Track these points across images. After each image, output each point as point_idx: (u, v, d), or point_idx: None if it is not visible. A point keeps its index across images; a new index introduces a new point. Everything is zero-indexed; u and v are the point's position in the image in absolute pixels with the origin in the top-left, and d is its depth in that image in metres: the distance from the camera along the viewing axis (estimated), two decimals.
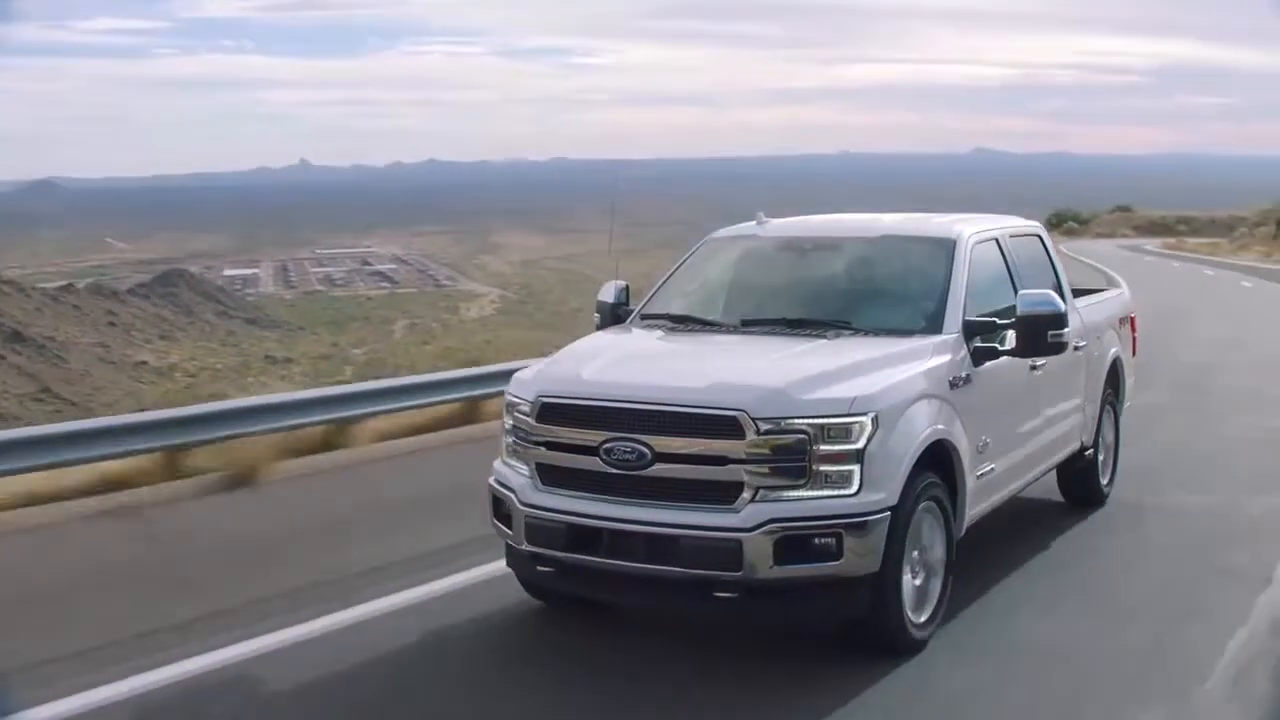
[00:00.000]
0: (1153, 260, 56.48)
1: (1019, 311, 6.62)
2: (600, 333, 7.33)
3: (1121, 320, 9.58)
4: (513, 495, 6.06)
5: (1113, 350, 9.12)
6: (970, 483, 6.43)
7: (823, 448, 5.52)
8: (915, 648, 5.92)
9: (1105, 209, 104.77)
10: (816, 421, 5.54)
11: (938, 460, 6.08)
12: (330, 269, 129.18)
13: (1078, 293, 9.01)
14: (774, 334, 6.63)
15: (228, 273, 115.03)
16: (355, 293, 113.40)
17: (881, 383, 5.83)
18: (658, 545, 5.58)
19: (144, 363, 70.48)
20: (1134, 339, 9.82)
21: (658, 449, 5.62)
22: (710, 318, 7.16)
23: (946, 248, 7.08)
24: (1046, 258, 8.40)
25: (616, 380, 5.99)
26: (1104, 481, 9.06)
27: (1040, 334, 6.58)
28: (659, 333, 7.01)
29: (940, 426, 6.06)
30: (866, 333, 6.54)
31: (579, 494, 5.86)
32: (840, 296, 7.16)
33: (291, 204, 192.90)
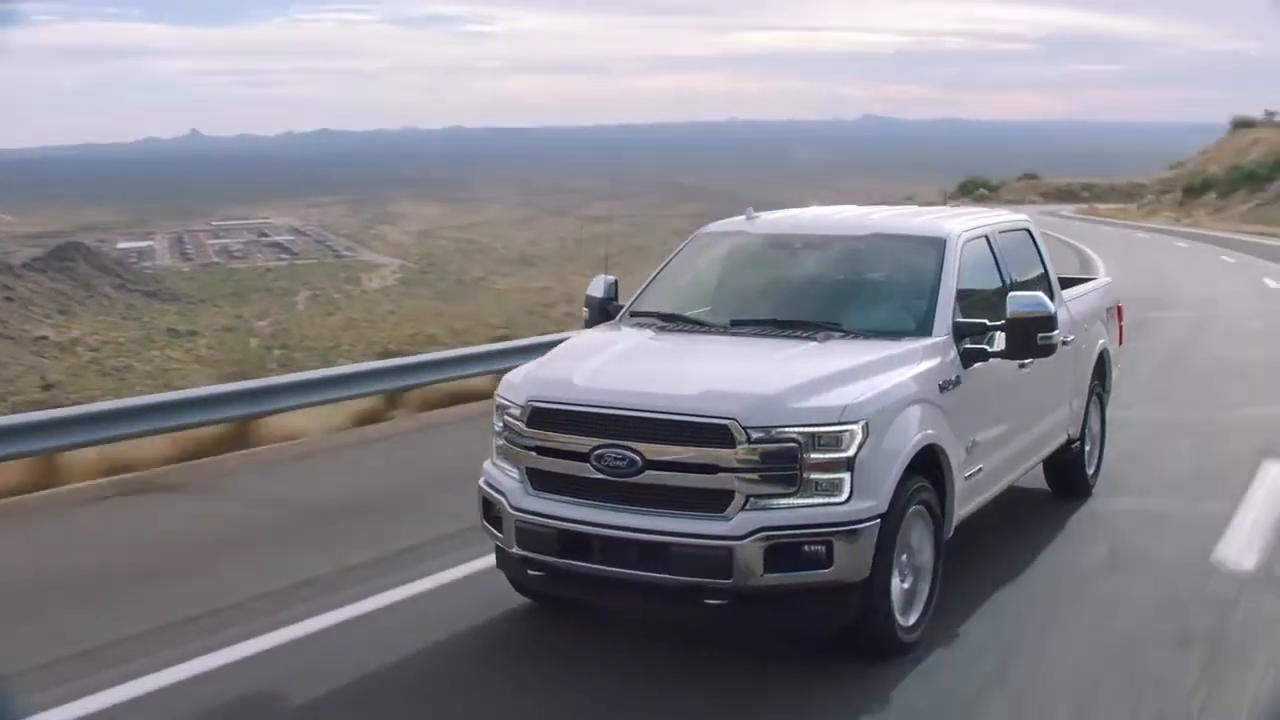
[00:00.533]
0: (1080, 225, 60.71)
1: (1008, 313, 6.56)
2: (591, 331, 7.22)
3: (1109, 311, 9.57)
4: (503, 499, 6.02)
5: (1100, 342, 9.10)
6: (959, 485, 6.42)
7: (813, 456, 5.49)
8: (903, 650, 5.91)
9: (1008, 175, 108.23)
10: (807, 430, 5.50)
11: (927, 464, 6.07)
12: (227, 241, 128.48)
13: (1065, 282, 9.01)
14: (763, 336, 6.57)
15: (122, 245, 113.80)
16: (254, 265, 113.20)
17: (872, 390, 5.79)
18: (648, 552, 5.52)
19: (44, 338, 70.30)
20: (1120, 328, 9.83)
21: (648, 456, 5.58)
22: (699, 317, 7.07)
23: (937, 247, 7.01)
24: (1035, 252, 8.36)
25: (607, 386, 5.91)
26: (1090, 471, 9.06)
27: (1030, 336, 6.53)
28: (649, 332, 6.88)
29: (930, 432, 6.04)
30: (856, 335, 6.47)
31: (570, 499, 5.79)
32: (830, 297, 7.06)
33: (183, 175, 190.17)
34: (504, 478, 6.14)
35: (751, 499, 5.50)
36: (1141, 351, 15.16)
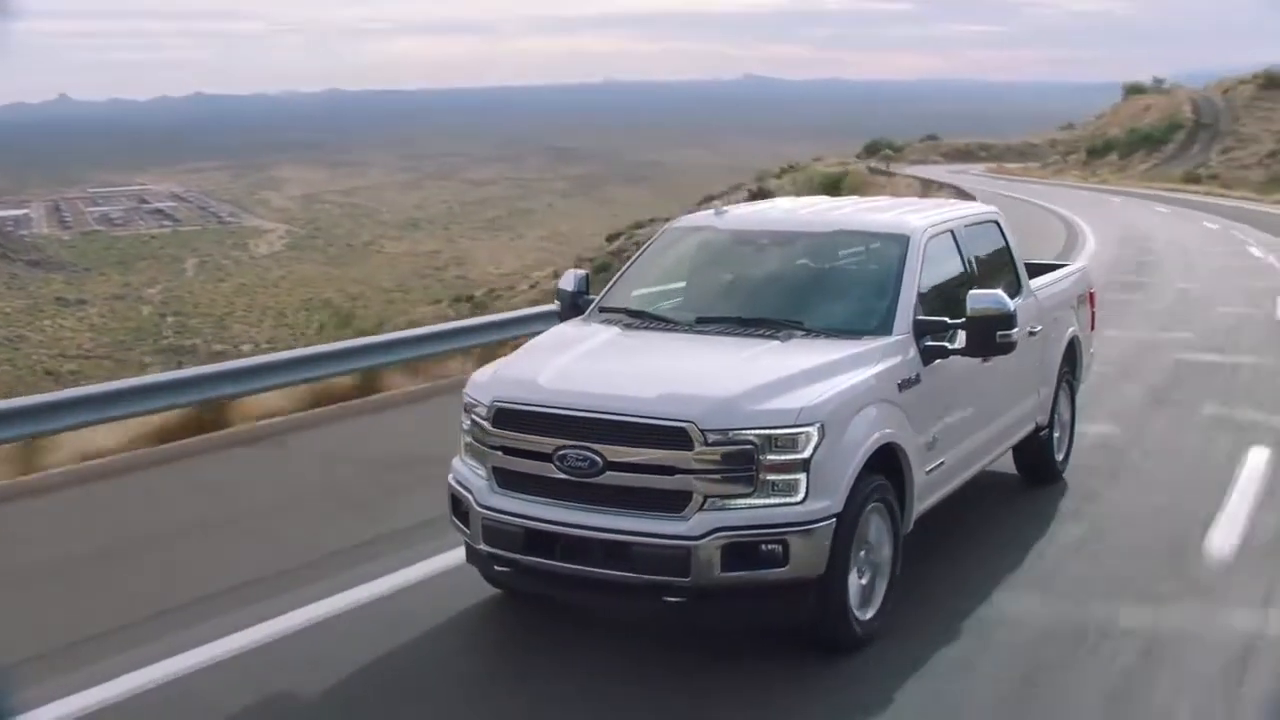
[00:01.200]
0: (1007, 184, 62.93)
1: (968, 311, 6.59)
2: (560, 328, 7.29)
3: (1080, 298, 9.57)
4: (471, 496, 6.13)
5: (1070, 330, 9.12)
6: (919, 480, 6.50)
7: (769, 457, 5.59)
8: (860, 644, 6.02)
9: (893, 134, 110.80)
10: (763, 432, 5.60)
11: (885, 462, 6.17)
12: (106, 208, 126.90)
13: (1037, 269, 9.15)
14: (727, 334, 6.64)
15: None
16: (136, 232, 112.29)
17: (828, 391, 5.87)
18: (609, 551, 5.63)
19: None
20: (1092, 314, 9.85)
21: (609, 458, 5.66)
22: (666, 314, 7.14)
23: (900, 244, 7.06)
24: (1003, 243, 8.34)
25: (570, 388, 5.99)
26: (1059, 457, 9.09)
27: (989, 334, 6.58)
28: (616, 329, 6.91)
29: (888, 430, 6.14)
30: (818, 334, 6.52)
31: (534, 498, 5.89)
32: (793, 295, 7.12)
33: (53, 140, 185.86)
34: (471, 475, 6.23)
35: (710, 499, 5.58)
36: (1156, 263, 24.87)
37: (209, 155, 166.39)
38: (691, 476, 5.59)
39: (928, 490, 6.67)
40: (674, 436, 5.58)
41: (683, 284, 7.68)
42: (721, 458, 5.58)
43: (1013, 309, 6.65)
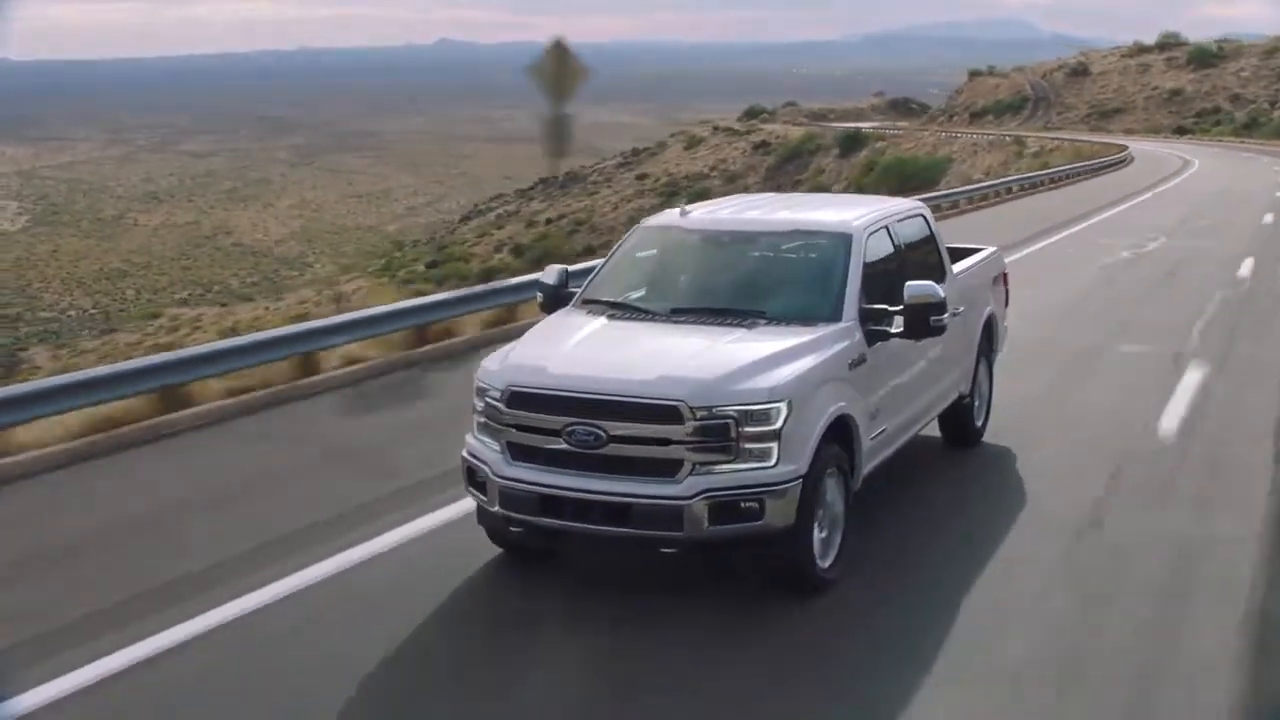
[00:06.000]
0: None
1: (905, 299, 7.36)
2: (552, 319, 7.95)
3: (995, 279, 10.46)
4: (486, 468, 6.78)
5: (987, 309, 9.96)
6: (866, 445, 7.27)
7: (747, 429, 6.34)
8: (825, 586, 6.79)
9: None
10: (742, 408, 6.35)
11: (839, 431, 6.91)
12: None
13: (953, 253, 9.82)
14: (701, 323, 7.33)
15: None
16: None
17: (794, 372, 6.60)
18: (613, 511, 6.38)
19: None
20: (1006, 292, 10.72)
21: (611, 432, 6.39)
22: (644, 305, 7.80)
23: (844, 242, 7.79)
24: (930, 234, 9.09)
25: (576, 373, 6.72)
26: (978, 424, 9.95)
27: (924, 319, 7.36)
28: (603, 319, 7.59)
29: (842, 404, 6.88)
30: (779, 321, 7.25)
31: (546, 467, 6.59)
32: (755, 287, 7.84)
33: None
34: (485, 450, 6.87)
35: (697, 466, 6.33)
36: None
37: None
38: (682, 447, 6.34)
39: (872, 454, 7.47)
40: (667, 413, 6.33)
41: (654, 278, 8.33)
42: (706, 431, 6.33)
43: (943, 296, 7.44)
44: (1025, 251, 20.51)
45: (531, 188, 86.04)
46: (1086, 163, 49.41)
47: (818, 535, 6.81)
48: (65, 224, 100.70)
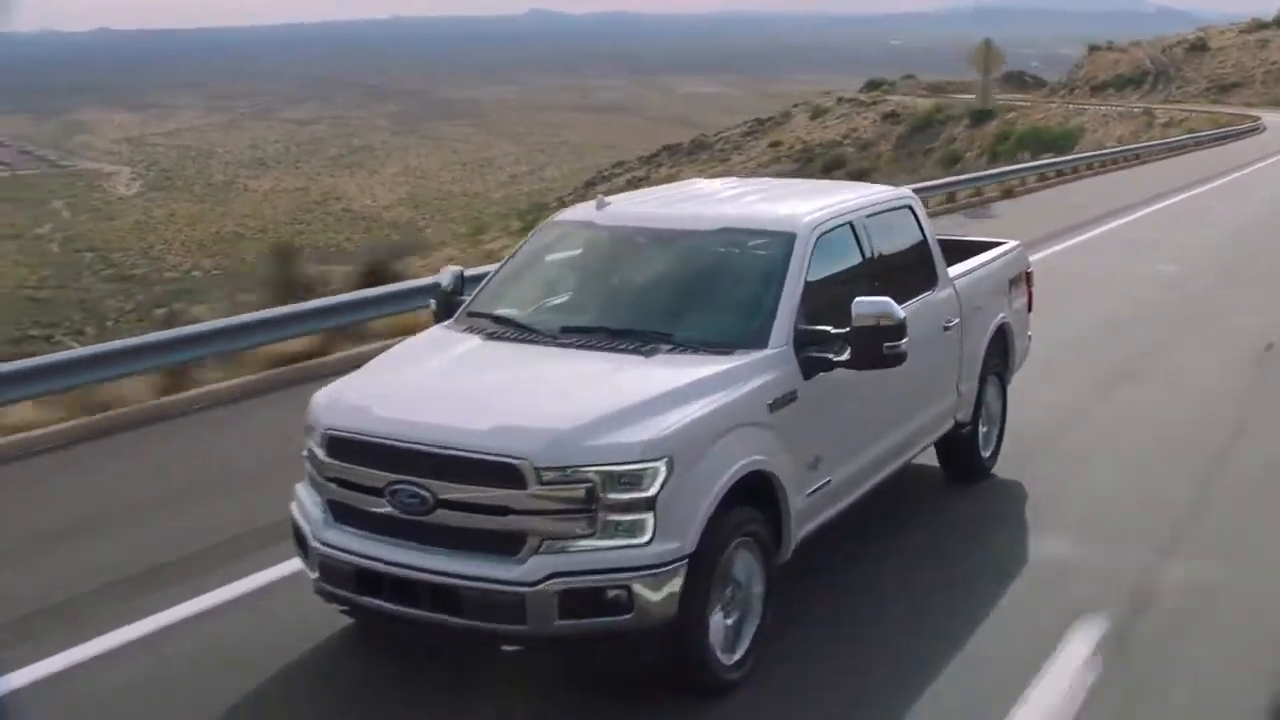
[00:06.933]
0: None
1: (852, 320, 5.87)
2: (418, 338, 6.85)
3: (1012, 282, 8.89)
4: (308, 529, 5.55)
5: (998, 318, 8.43)
6: (797, 505, 5.87)
7: (611, 496, 4.97)
8: (726, 689, 5.43)
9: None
10: (603, 469, 4.99)
11: (757, 490, 5.57)
12: None
13: (965, 249, 8.76)
14: (589, 348, 5.96)
15: None
16: None
17: (681, 420, 5.24)
18: (441, 595, 5.06)
19: None
20: (1029, 295, 9.19)
21: (440, 495, 5.09)
22: (531, 323, 6.43)
23: (784, 243, 6.36)
24: (918, 231, 7.64)
25: (405, 417, 5.37)
26: (986, 454, 8.43)
27: (874, 345, 5.87)
28: (477, 340, 6.30)
29: (758, 457, 5.52)
30: (685, 348, 5.86)
31: (367, 534, 5.33)
32: (665, 303, 6.45)
33: None
34: (310, 506, 5.67)
35: (546, 541, 5.00)
36: None
37: None
38: (526, 517, 5.03)
39: (811, 513, 6.12)
40: (506, 474, 5.00)
41: (555, 287, 7.09)
42: (557, 498, 5.01)
43: (902, 317, 5.93)
44: (1219, 182, 30.78)
45: (655, 154, 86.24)
46: (1225, 129, 52.91)
47: (721, 623, 5.43)
48: (178, 189, 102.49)
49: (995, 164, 39.39)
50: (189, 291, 54.02)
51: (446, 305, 6.95)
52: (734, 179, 10.61)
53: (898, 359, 5.98)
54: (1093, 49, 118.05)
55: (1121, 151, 39.48)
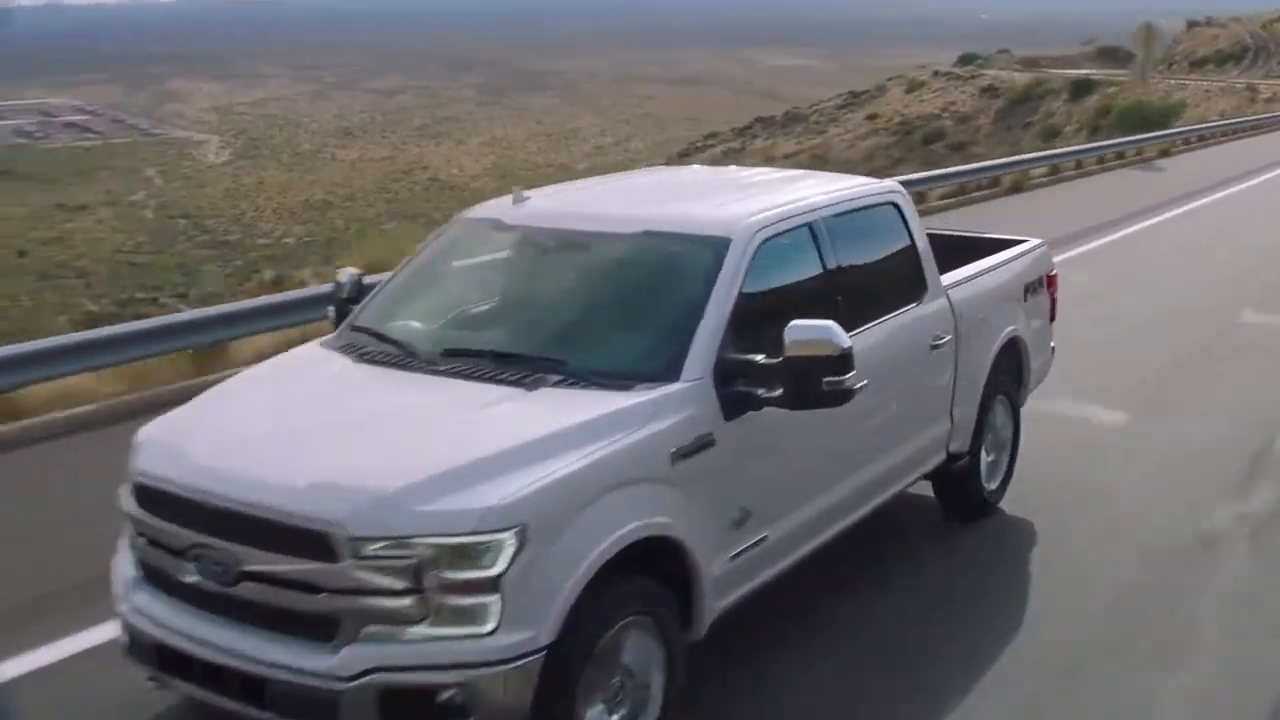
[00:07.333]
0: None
1: (784, 350, 4.72)
2: (279, 359, 5.83)
3: (1030, 287, 7.63)
4: (118, 589, 4.66)
5: (1008, 330, 7.21)
6: (715, 572, 4.75)
7: (446, 575, 3.95)
8: None
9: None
10: (434, 541, 3.94)
11: (656, 557, 4.48)
12: (15, 122, 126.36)
13: (975, 247, 7.71)
14: (467, 376, 4.88)
15: None
16: (65, 145, 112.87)
17: (541, 479, 4.13)
18: (248, 685, 4.13)
19: None
20: (1052, 303, 7.99)
21: (246, 564, 4.14)
22: (413, 342, 5.33)
23: (714, 250, 5.18)
24: (904, 232, 6.46)
25: (214, 465, 4.36)
26: (991, 486, 7.23)
27: (811, 381, 4.71)
28: (346, 362, 5.27)
29: (655, 520, 4.41)
30: (578, 379, 4.76)
31: (174, 602, 4.41)
32: (565, 322, 5.32)
33: None
34: (124, 563, 4.74)
35: (367, 628, 4.00)
36: None
37: (85, 69, 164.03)
38: (341, 596, 4.02)
39: (738, 579, 5.00)
40: (315, 543, 4.01)
41: (452, 298, 6.01)
42: (378, 575, 3.99)
43: (846, 346, 4.77)
44: None
45: (749, 126, 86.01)
46: None
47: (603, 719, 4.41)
48: (266, 157, 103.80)
49: (1095, 138, 41.92)
50: (285, 258, 54.80)
51: (339, 316, 5.99)
52: (701, 168, 8.90)
53: (841, 397, 4.84)
54: (1191, 25, 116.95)
55: (1248, 122, 44.05)
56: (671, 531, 4.54)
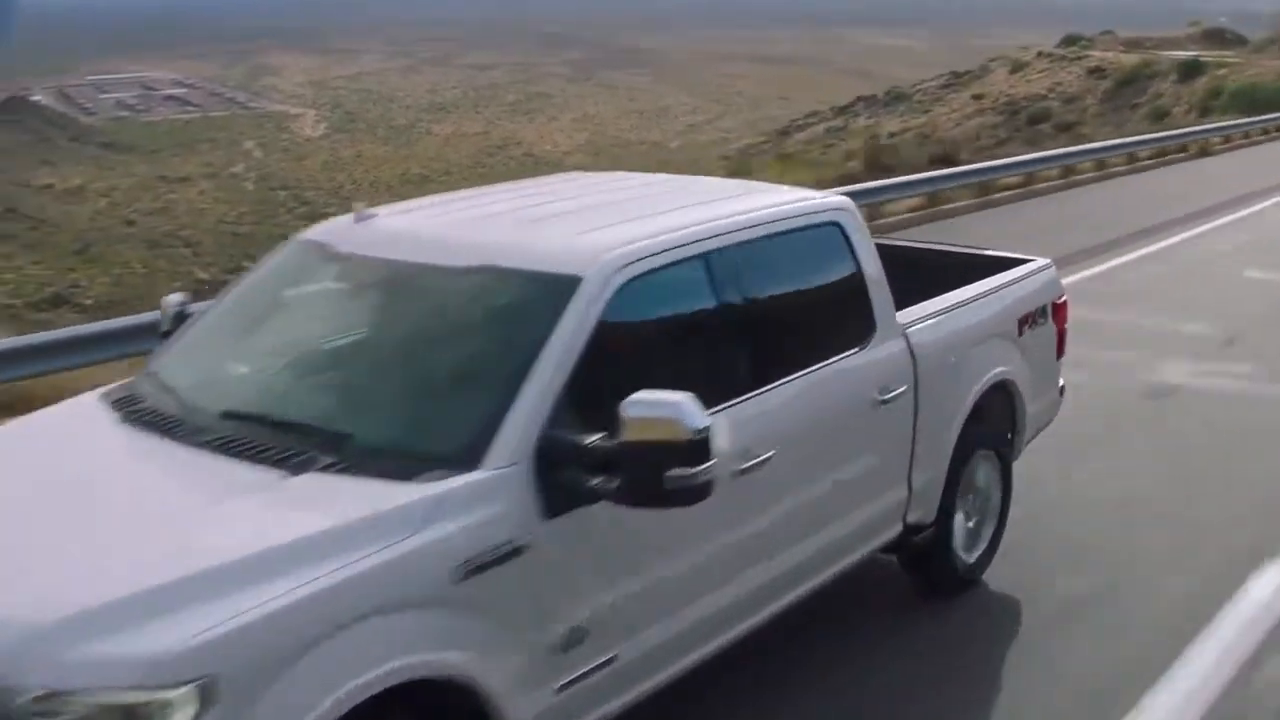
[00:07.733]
0: None
1: (621, 431, 3.62)
2: (45, 412, 4.79)
3: (1027, 319, 6.28)
4: None
5: (992, 373, 5.98)
6: (536, 708, 3.76)
7: None
8: None
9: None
10: (93, 700, 2.96)
11: (441, 701, 3.50)
12: (119, 95, 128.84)
13: (963, 266, 6.48)
14: (230, 451, 3.84)
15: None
16: (165, 118, 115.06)
17: (245, 613, 3.11)
18: None
19: (50, 186, 73.88)
20: (1060, 336, 6.66)
21: None
22: (193, 400, 4.31)
23: (557, 293, 4.05)
24: (848, 259, 5.20)
25: None
26: (970, 559, 6.03)
27: (652, 474, 3.61)
28: (106, 423, 4.25)
29: (431, 657, 3.43)
30: (355, 460, 3.74)
31: None
32: (365, 382, 4.30)
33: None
34: None
35: None
36: None
37: (182, 43, 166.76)
38: None
39: (577, 712, 3.95)
40: None
41: (260, 342, 4.95)
42: None
43: (698, 428, 3.64)
44: None
45: (851, 104, 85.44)
46: None
47: None
48: (362, 131, 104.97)
49: (1205, 119, 41.93)
50: None
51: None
52: (621, 174, 6.64)
53: (694, 494, 3.70)
54: None
55: None
56: (452, 670, 3.51)
